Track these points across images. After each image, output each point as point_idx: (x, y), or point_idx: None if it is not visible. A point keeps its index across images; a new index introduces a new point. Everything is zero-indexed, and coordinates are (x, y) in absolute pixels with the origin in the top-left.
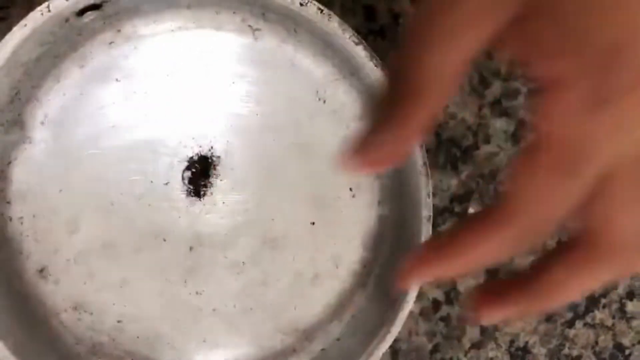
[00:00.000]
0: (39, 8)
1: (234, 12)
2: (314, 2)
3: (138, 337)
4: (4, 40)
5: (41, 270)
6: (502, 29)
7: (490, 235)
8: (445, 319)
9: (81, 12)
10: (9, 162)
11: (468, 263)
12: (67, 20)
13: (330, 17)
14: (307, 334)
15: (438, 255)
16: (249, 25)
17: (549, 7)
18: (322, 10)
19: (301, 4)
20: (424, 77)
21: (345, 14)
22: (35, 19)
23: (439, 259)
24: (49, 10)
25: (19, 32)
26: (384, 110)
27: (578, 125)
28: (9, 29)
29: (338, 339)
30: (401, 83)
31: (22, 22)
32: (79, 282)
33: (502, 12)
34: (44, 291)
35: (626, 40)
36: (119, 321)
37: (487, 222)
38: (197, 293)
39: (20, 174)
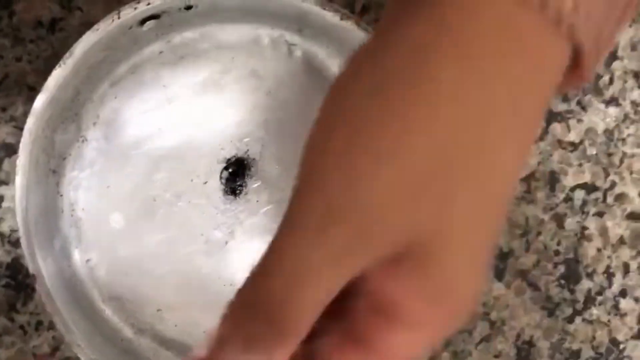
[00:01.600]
0: (109, 15)
1: (272, 28)
2: (352, 16)
3: (176, 325)
4: (77, 43)
5: (88, 261)
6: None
7: None
8: None
9: (143, 21)
10: (64, 158)
11: None
12: (130, 27)
13: (367, 31)
14: None
15: None
16: (285, 40)
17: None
18: (359, 24)
19: (341, 19)
20: (291, 317)
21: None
22: (106, 24)
23: None
24: (119, 17)
25: (91, 36)
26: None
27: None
28: (66, 39)
29: None
30: (266, 318)
31: (95, 26)
32: (121, 273)
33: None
34: (90, 279)
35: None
36: (158, 310)
37: None
38: (230, 285)
39: (72, 170)
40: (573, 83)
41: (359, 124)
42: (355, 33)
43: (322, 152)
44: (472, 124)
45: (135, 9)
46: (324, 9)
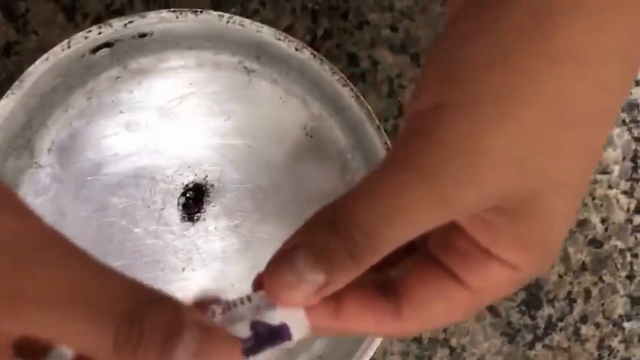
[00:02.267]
0: (59, 44)
1: (231, 55)
2: (307, 47)
3: None
4: (26, 72)
5: None
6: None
7: None
8: (418, 340)
9: (95, 50)
10: (17, 185)
11: None
12: (82, 56)
13: (322, 62)
14: (291, 352)
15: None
16: (245, 67)
17: (538, 216)
18: (314, 55)
19: (296, 49)
20: (373, 248)
21: (330, 60)
22: (55, 53)
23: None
24: (69, 47)
25: (41, 65)
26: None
27: (499, 294)
28: (20, 63)
29: (320, 357)
30: (345, 238)
31: (44, 56)
32: None
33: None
34: None
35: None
36: None
37: None
38: None
39: (26, 196)
40: None
41: (481, 72)
42: (313, 62)
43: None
44: (587, 76)
45: (86, 38)
46: (279, 39)
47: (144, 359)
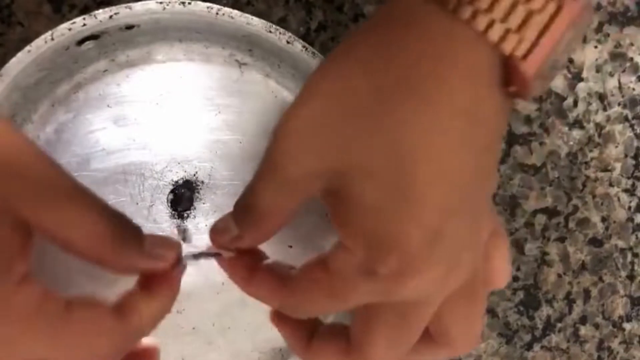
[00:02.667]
0: (42, 36)
1: (222, 47)
2: (299, 40)
3: None
4: (7, 65)
5: None
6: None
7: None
8: None
9: (81, 42)
10: None
11: None
12: (67, 48)
13: (314, 55)
14: (284, 352)
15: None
16: (236, 60)
17: (351, 199)
18: (306, 48)
19: (287, 42)
20: (262, 211)
21: (324, 53)
22: (38, 46)
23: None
24: (52, 39)
25: (22, 58)
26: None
27: (346, 278)
28: (5, 55)
29: None
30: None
31: (26, 48)
32: None
33: (311, 187)
34: None
35: (398, 243)
36: None
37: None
38: (177, 312)
39: None
40: (519, 91)
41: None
42: (304, 55)
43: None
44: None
45: (70, 29)
46: (270, 31)
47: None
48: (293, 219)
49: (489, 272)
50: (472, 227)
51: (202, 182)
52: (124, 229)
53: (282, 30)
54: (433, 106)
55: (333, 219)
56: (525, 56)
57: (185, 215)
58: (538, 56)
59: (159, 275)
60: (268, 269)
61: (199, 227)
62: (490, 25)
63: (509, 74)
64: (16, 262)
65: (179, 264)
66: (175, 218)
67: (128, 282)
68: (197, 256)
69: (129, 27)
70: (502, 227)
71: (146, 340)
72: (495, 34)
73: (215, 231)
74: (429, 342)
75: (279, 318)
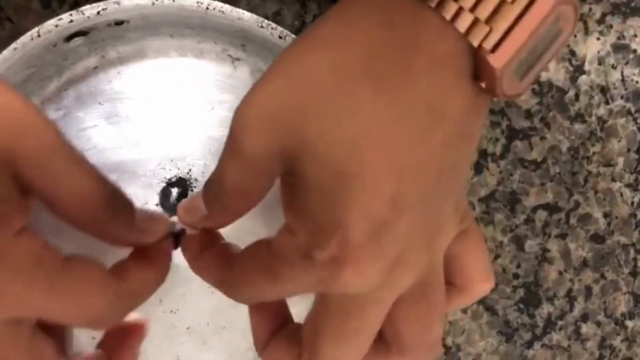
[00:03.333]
0: (29, 33)
1: (215, 42)
2: (291, 35)
3: None
4: None
5: None
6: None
7: None
8: None
9: (69, 38)
10: None
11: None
12: (54, 45)
13: None
14: None
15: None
16: (229, 55)
17: (300, 181)
18: None
19: (280, 37)
20: (227, 191)
21: None
22: (24, 43)
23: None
24: (39, 35)
25: (8, 55)
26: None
27: (285, 260)
28: None
29: None
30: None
31: (12, 45)
32: None
33: (269, 174)
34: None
35: (339, 230)
36: (93, 338)
37: None
38: (171, 312)
39: None
40: (489, 88)
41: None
42: None
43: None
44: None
45: (57, 26)
46: (261, 26)
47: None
48: (260, 202)
49: (458, 273)
50: (427, 227)
51: (196, 179)
52: (117, 197)
53: (274, 25)
54: (393, 94)
55: (283, 200)
56: (494, 49)
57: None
58: (508, 50)
59: (151, 247)
60: (219, 248)
61: None
62: (458, 13)
63: (478, 67)
64: (15, 215)
65: (168, 238)
66: (169, 216)
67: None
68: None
69: (119, 23)
70: (477, 227)
71: (134, 316)
72: (463, 23)
73: (185, 209)
74: (383, 349)
75: (253, 306)
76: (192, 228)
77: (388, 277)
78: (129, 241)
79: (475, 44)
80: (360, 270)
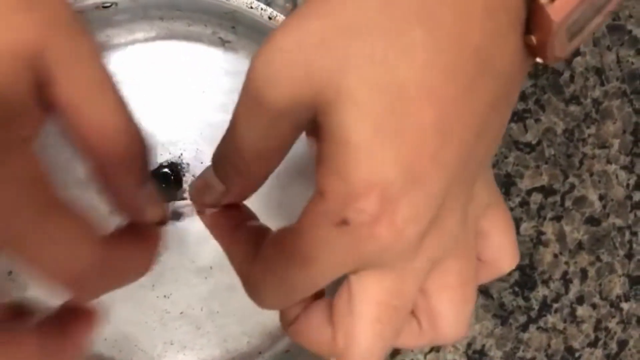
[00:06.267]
0: None
1: (205, 25)
2: (281, 15)
3: (106, 339)
4: None
5: (9, 273)
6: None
7: None
8: None
9: None
10: None
11: None
12: None
13: None
14: (273, 336)
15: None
16: (220, 37)
17: (333, 132)
18: None
19: (270, 18)
20: (248, 155)
21: None
22: None
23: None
24: None
25: None
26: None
27: (316, 235)
28: None
29: (287, 351)
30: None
31: None
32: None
33: (297, 122)
34: (11, 294)
35: (376, 185)
36: None
37: None
38: (165, 296)
39: None
40: (540, 45)
41: None
42: None
43: None
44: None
45: None
46: (250, 7)
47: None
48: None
49: (485, 250)
50: (463, 191)
51: (188, 163)
52: (140, 147)
53: (263, 6)
54: (445, 40)
55: (316, 159)
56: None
57: (171, 197)
58: (568, 1)
59: (144, 229)
60: (249, 229)
61: (185, 209)
62: None
63: (532, 21)
64: (25, 121)
65: (161, 227)
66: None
67: None
68: (177, 215)
69: (106, 6)
70: (503, 202)
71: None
72: None
73: (197, 191)
74: (413, 326)
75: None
76: (209, 208)
77: (423, 241)
78: (129, 204)
79: None
80: (397, 228)
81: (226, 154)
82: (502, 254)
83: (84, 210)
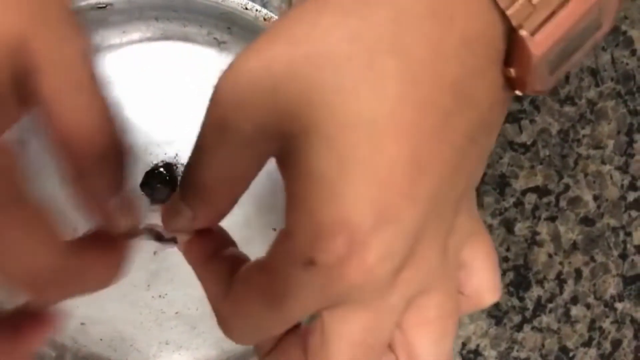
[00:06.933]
0: None
1: (200, 25)
2: (276, 17)
3: (101, 339)
4: None
5: None
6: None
7: None
8: None
9: None
10: None
11: None
12: None
13: None
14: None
15: None
16: (215, 38)
17: (301, 166)
18: None
19: (265, 19)
20: (211, 184)
21: None
22: None
23: None
24: None
25: None
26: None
27: (284, 273)
28: None
29: None
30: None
31: None
32: None
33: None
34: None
35: (347, 225)
36: (82, 323)
37: None
38: (160, 296)
39: None
40: (520, 77)
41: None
42: None
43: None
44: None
45: None
46: (246, 8)
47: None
48: (247, 189)
49: (466, 283)
50: (441, 225)
51: (183, 164)
52: (119, 152)
53: (259, 7)
54: (419, 72)
55: (285, 193)
56: (534, 32)
57: (167, 198)
58: (550, 35)
59: (111, 240)
60: (224, 258)
61: None
62: None
63: (512, 54)
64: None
65: (128, 240)
66: (157, 202)
67: None
68: (159, 236)
69: (101, 7)
70: (487, 233)
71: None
72: None
73: (167, 215)
74: None
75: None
76: (183, 234)
77: (398, 278)
78: (99, 210)
79: (515, 23)
80: (367, 268)
81: (190, 180)
82: (483, 288)
83: (54, 213)
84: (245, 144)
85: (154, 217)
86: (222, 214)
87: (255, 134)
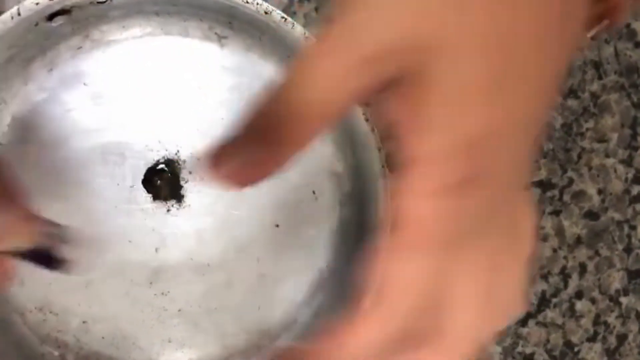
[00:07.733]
0: (9, 12)
1: (200, 20)
2: (277, 10)
3: (103, 337)
4: None
5: None
6: (382, 88)
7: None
8: None
9: (51, 17)
10: None
11: None
12: (36, 24)
13: (293, 26)
14: (271, 333)
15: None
16: (216, 33)
17: (430, 84)
18: (285, 19)
19: (266, 13)
20: (311, 111)
21: (309, 24)
22: (5, 22)
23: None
24: (19, 14)
25: None
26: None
27: (426, 207)
28: None
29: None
30: (283, 111)
31: None
32: (44, 283)
33: (381, 72)
34: (8, 291)
35: (491, 133)
36: (84, 322)
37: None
38: (162, 294)
39: None
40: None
41: None
42: (284, 26)
43: None
44: None
45: (37, 4)
46: (247, 2)
47: None
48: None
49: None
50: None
51: (184, 160)
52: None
53: (259, 1)
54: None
55: (401, 117)
56: None
57: (168, 195)
58: None
59: None
60: None
61: (182, 207)
62: None
63: None
64: None
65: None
66: (158, 199)
67: None
68: (49, 264)
69: (101, 2)
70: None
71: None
72: None
73: (217, 156)
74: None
75: None
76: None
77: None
78: None
79: None
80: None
81: (277, 107)
82: None
83: None
84: (364, 63)
85: (155, 215)
86: (282, 164)
87: (378, 50)
